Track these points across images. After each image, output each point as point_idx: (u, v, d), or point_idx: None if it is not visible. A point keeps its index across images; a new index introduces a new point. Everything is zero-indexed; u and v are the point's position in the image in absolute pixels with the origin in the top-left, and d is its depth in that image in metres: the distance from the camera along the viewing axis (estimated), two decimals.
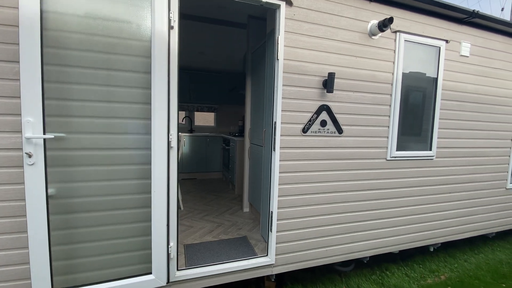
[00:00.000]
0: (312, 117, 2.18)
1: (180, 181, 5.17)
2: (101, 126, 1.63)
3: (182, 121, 5.44)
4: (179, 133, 3.74)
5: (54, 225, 1.55)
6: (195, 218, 3.04)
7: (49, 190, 1.52)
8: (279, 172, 2.11)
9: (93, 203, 1.65)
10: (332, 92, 2.14)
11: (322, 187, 2.26)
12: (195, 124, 5.68)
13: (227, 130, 5.87)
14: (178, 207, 3.32)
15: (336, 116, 2.25)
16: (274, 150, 2.10)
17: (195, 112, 5.65)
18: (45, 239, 1.49)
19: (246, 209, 3.32)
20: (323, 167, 2.25)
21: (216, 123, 5.79)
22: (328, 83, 2.13)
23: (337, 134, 2.27)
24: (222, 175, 5.23)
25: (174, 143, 1.77)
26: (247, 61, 3.28)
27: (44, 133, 1.45)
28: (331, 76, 2.11)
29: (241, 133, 5.14)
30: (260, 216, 2.82)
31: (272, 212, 2.13)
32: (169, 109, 1.73)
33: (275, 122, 2.08)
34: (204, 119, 5.88)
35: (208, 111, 5.64)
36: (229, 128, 5.87)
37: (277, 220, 2.14)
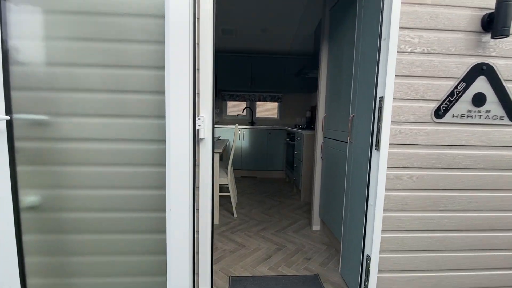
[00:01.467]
0: (455, 88, 1.16)
1: (238, 178, 4.71)
2: (101, 104, 1.04)
3: (243, 112, 4.88)
4: (236, 126, 3.16)
5: (32, 252, 1.06)
6: (249, 232, 2.36)
7: (27, 199, 1.02)
8: (386, 189, 1.19)
9: (87, 221, 1.09)
10: (505, 36, 1.07)
11: (478, 221, 1.23)
12: (257, 116, 5.05)
13: (292, 122, 5.04)
14: (232, 214, 2.80)
15: (508, 86, 1.17)
16: (376, 149, 1.18)
17: (257, 103, 5.01)
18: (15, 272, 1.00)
19: (316, 226, 2.46)
20: (477, 183, 1.21)
21: (279, 115, 5.03)
22: (496, 20, 1.07)
23: (507, 120, 1.19)
24: (285, 175, 4.46)
25: (206, 133, 1.07)
26: (323, 25, 2.37)
27: (6, 114, 0.95)
28: (505, 3, 1.05)
29: (309, 125, 4.23)
30: (337, 242, 1.93)
31: (368, 257, 1.23)
32: (195, 77, 1.02)
33: (380, 98, 1.16)
34: (267, 110, 5.20)
35: (271, 100, 4.92)
36: (294, 119, 5.03)
37: (379, 271, 1.22)
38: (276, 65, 4.53)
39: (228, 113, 5.02)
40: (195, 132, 1.03)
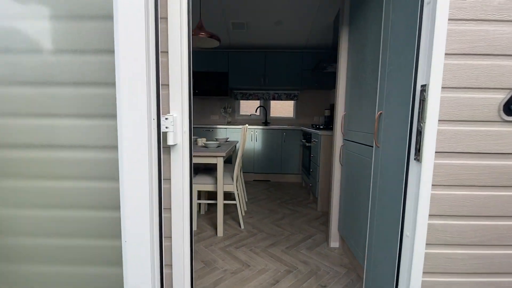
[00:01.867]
0: None
1: (250, 182, 4.43)
2: (29, 101, 0.81)
3: (256, 111, 4.60)
4: (246, 126, 2.88)
5: None
6: (256, 248, 2.07)
7: None
8: (430, 216, 0.85)
9: (16, 248, 0.87)
10: None
11: None
12: (271, 115, 4.74)
13: (310, 122, 4.67)
14: (239, 224, 2.48)
15: None
16: (416, 159, 0.84)
17: (271, 101, 4.70)
18: None
19: (334, 243, 2.11)
20: None
21: (295, 114, 4.69)
22: None
23: None
24: (301, 179, 4.11)
25: (178, 138, 0.80)
26: (341, 13, 2.02)
27: None
28: None
29: (327, 125, 3.85)
30: (359, 265, 1.59)
31: None
32: (159, 63, 0.75)
33: (423, 87, 0.82)
34: (282, 109, 4.88)
35: (287, 98, 4.59)
36: (311, 119, 4.66)
37: None
38: (292, 60, 4.19)
39: (241, 113, 4.76)
40: (160, 136, 0.76)
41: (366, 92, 1.55)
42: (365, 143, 1.54)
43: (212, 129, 4.12)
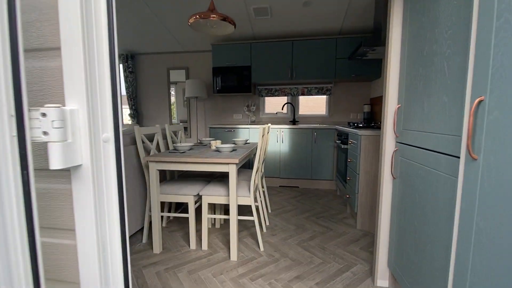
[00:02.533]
0: None
1: (276, 188, 3.96)
2: None
3: (282, 109, 4.12)
4: (267, 125, 2.43)
5: None
6: (276, 281, 1.62)
7: None
8: None
9: None
10: None
11: None
12: (300, 113, 4.22)
13: (346, 120, 4.06)
14: (258, 244, 2.07)
15: None
16: None
17: (300, 97, 4.18)
18: None
19: (382, 281, 1.57)
20: None
21: (328, 111, 4.11)
22: None
23: None
24: (336, 186, 3.54)
25: (77, 153, 0.39)
26: None
27: None
28: None
29: (368, 123, 3.24)
30: None
31: None
32: (13, 5, 0.34)
33: None
34: (313, 105, 4.34)
35: (318, 93, 4.03)
36: (348, 116, 4.04)
37: None
38: (323, 48, 3.63)
39: (266, 111, 4.32)
40: (27, 151, 0.36)
41: (440, 70, 1.00)
42: (440, 151, 1.00)
43: (234, 129, 3.74)
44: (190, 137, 4.54)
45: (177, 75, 4.50)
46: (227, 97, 4.35)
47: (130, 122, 4.60)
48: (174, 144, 2.21)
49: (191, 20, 2.07)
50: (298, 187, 3.71)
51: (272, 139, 3.65)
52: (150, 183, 1.91)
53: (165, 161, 1.84)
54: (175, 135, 2.81)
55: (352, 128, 2.55)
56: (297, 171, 3.65)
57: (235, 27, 2.22)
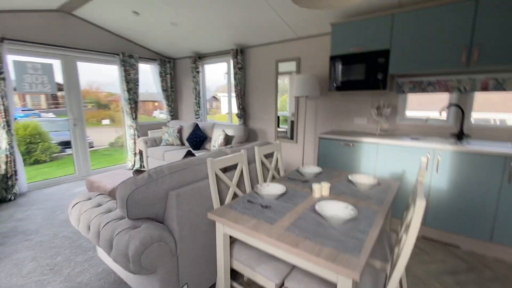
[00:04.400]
0: None
1: (419, 240, 2.26)
2: None
3: (440, 113, 2.60)
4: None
5: None
6: None
7: None
8: None
9: None
10: None
11: None
12: (473, 122, 2.57)
13: None
14: None
15: None
16: None
17: (476, 93, 2.51)
18: None
19: None
20: None
21: None
22: None
23: None
24: None
25: None
26: None
27: None
28: None
29: None
30: None
31: None
32: None
33: None
34: (503, 108, 2.54)
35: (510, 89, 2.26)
36: None
37: None
38: None
39: (407, 115, 2.92)
40: None
41: None
42: None
43: (354, 143, 2.67)
44: (297, 142, 3.79)
45: (287, 68, 3.78)
46: (348, 95, 3.25)
47: (238, 123, 4.36)
48: (254, 190, 1.52)
49: None
50: (459, 247, 2.26)
51: (415, 162, 2.34)
52: (217, 247, 1.32)
53: (232, 226, 1.17)
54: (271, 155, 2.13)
55: None
56: (461, 221, 2.20)
57: None
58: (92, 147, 7.55)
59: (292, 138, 3.86)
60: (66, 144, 7.15)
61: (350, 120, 3.27)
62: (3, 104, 3.19)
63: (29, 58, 3.54)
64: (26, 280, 1.84)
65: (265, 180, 2.00)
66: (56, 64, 3.82)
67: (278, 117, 4.01)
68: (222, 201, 1.58)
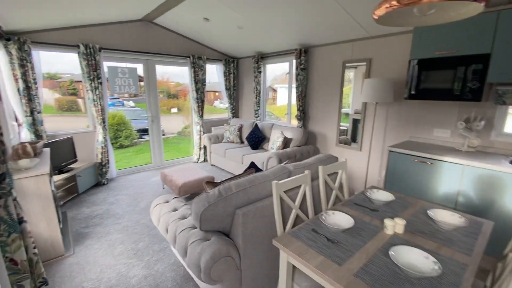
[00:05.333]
0: None
1: None
2: None
3: None
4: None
5: None
6: None
7: None
8: None
9: None
10: None
11: None
12: None
13: None
14: None
15: None
16: None
17: None
18: None
19: None
20: None
21: None
22: None
23: None
24: None
25: None
26: None
27: None
28: None
29: None
30: None
31: None
32: None
33: None
34: None
35: None
36: None
37: None
38: None
39: (507, 130, 2.41)
40: None
41: None
42: None
43: (433, 162, 2.35)
44: (360, 150, 3.54)
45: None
46: (428, 103, 2.85)
47: (296, 125, 4.30)
48: (318, 218, 1.48)
49: (379, 12, 1.11)
50: None
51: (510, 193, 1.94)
52: (280, 272, 1.35)
53: (298, 260, 1.17)
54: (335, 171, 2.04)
55: None
56: None
57: (487, 3, 0.99)
58: (164, 134, 8.50)
59: (354, 140, 3.62)
60: (144, 131, 8.23)
61: (428, 130, 2.88)
62: (101, 104, 3.81)
63: (119, 63, 4.12)
64: (117, 261, 2.23)
65: (328, 200, 1.94)
66: (139, 68, 4.35)
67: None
68: (284, 220, 1.60)
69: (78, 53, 3.58)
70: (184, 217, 1.80)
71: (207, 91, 5.04)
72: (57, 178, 3.23)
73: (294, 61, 4.11)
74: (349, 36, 3.33)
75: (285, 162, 2.23)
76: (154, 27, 4.30)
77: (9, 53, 3.05)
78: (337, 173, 2.00)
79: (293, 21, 3.19)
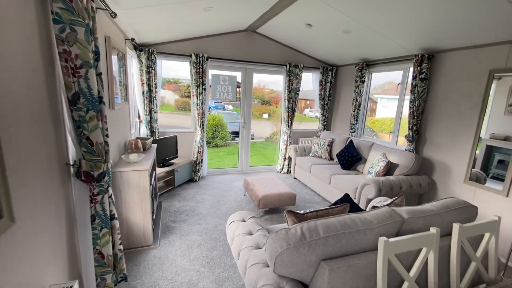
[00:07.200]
0: None
1: None
2: None
3: None
4: None
5: None
6: None
7: None
8: None
9: None
10: None
11: None
12: None
13: None
14: None
15: None
16: None
17: None
18: None
19: None
20: None
21: None
22: None
23: None
24: None
25: None
26: None
27: None
28: None
29: None
30: None
31: None
32: None
33: None
34: None
35: None
36: None
37: None
38: None
39: None
40: None
41: None
42: None
43: None
44: (507, 195, 2.48)
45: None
46: None
47: (405, 148, 3.48)
48: None
49: None
50: None
51: None
52: None
53: None
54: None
55: None
56: None
57: None
58: (253, 138, 8.84)
59: (495, 178, 2.58)
60: (236, 134, 8.82)
61: None
62: (202, 109, 4.15)
63: (221, 71, 4.40)
64: (191, 266, 2.24)
65: (461, 275, 1.31)
66: (238, 76, 4.54)
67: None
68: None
69: (190, 62, 4.00)
70: (258, 247, 1.58)
71: (299, 99, 4.80)
72: (160, 170, 3.66)
73: (411, 69, 3.34)
74: (500, 35, 2.38)
75: (391, 201, 1.70)
76: (256, 36, 4.39)
77: (140, 62, 3.68)
78: (481, 235, 1.34)
79: (417, 19, 2.53)
